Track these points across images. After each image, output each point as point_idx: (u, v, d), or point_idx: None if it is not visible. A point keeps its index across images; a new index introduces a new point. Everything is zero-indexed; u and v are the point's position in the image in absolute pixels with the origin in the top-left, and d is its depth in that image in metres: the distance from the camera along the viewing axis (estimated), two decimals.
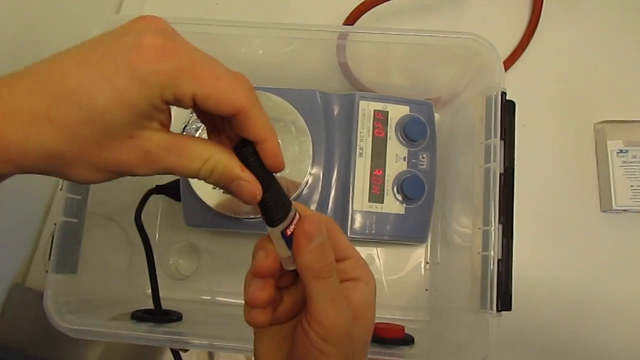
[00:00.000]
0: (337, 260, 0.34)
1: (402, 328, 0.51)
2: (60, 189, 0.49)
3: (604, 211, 0.64)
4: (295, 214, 0.33)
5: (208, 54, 0.30)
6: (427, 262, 0.62)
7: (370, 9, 0.61)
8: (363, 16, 0.61)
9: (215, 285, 0.63)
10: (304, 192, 0.56)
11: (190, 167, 0.30)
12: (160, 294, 0.54)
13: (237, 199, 0.32)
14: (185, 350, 0.58)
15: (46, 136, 0.27)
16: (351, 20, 0.61)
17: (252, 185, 0.31)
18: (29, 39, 0.54)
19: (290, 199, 0.33)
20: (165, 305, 0.55)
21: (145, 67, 0.27)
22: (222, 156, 0.31)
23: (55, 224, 0.48)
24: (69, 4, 0.59)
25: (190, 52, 0.29)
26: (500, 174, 0.49)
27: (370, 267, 0.60)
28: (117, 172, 0.30)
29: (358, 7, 0.61)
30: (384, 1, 0.60)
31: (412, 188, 0.57)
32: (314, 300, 0.31)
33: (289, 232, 0.32)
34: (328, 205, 0.57)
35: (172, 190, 0.60)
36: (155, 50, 0.28)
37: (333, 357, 0.31)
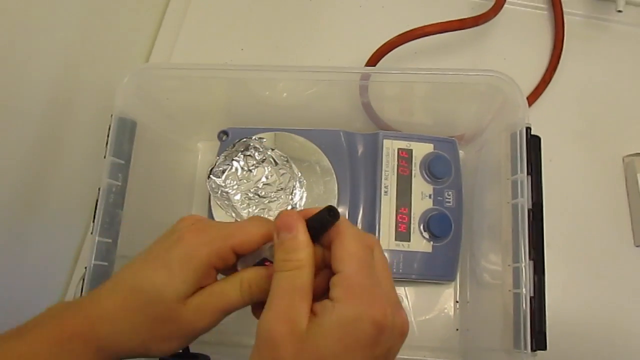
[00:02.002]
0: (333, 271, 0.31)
1: None
2: (91, 233, 0.49)
3: (638, 246, 0.62)
4: None
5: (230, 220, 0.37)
6: (457, 301, 0.61)
7: (392, 50, 0.62)
8: (385, 58, 0.62)
9: (243, 326, 0.62)
10: None
11: (233, 296, 0.36)
12: None
13: None
14: None
15: (127, 324, 0.34)
16: (373, 61, 0.62)
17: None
18: (63, 87, 0.56)
19: None
20: (192, 348, 0.54)
21: (189, 246, 0.35)
22: (246, 273, 0.36)
23: (85, 268, 0.49)
24: (100, 53, 0.62)
25: (219, 224, 0.38)
26: (528, 210, 0.48)
27: None
28: (186, 336, 0.37)
29: (379, 48, 0.62)
30: (405, 42, 0.61)
31: (438, 226, 0.56)
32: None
33: None
34: None
35: None
36: (193, 232, 0.36)
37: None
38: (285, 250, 0.32)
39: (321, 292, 0.33)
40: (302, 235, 0.32)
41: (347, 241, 0.32)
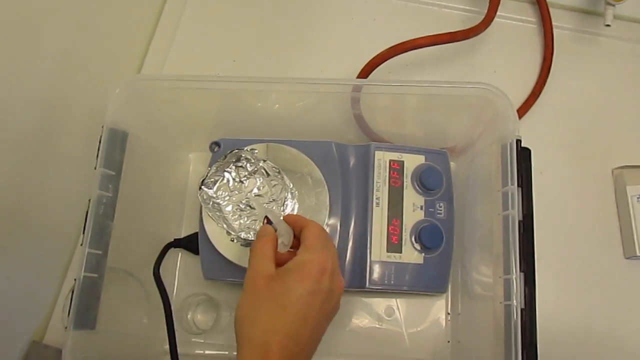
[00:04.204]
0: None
1: None
2: (81, 244, 0.49)
3: (628, 258, 0.63)
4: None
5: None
6: (448, 313, 0.61)
7: (383, 62, 0.62)
8: (376, 70, 0.63)
9: (233, 339, 0.62)
10: None
11: None
12: (178, 350, 0.54)
13: None
14: None
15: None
16: (364, 73, 0.63)
17: None
18: (54, 98, 0.56)
19: None
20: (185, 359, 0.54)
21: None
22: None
23: (75, 280, 0.48)
24: (92, 64, 0.62)
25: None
26: (519, 222, 0.48)
27: (390, 319, 0.60)
28: None
29: (371, 61, 0.62)
30: (396, 54, 0.61)
31: (430, 237, 0.57)
32: None
33: None
34: (346, 255, 0.57)
35: (190, 244, 0.60)
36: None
37: (242, 300, 0.43)
38: (259, 235, 0.48)
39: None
40: (269, 227, 0.49)
41: (311, 227, 0.48)
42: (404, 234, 0.57)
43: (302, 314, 0.42)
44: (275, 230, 0.48)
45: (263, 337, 0.41)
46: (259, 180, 0.57)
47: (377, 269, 0.56)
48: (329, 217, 0.57)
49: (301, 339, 0.41)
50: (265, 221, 0.50)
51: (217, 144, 0.60)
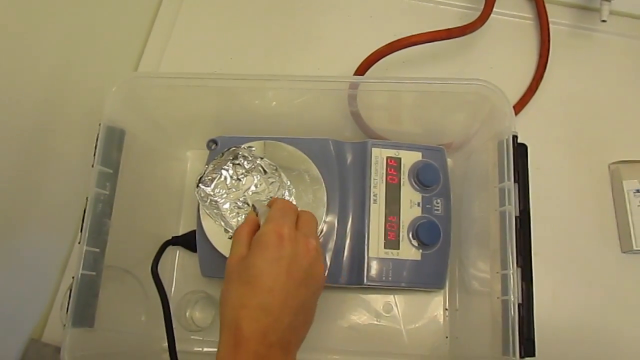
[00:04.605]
0: None
1: None
2: (79, 242, 0.49)
3: (624, 252, 0.63)
4: None
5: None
6: (446, 309, 0.61)
7: (380, 59, 0.62)
8: (373, 67, 0.63)
9: None
10: (320, 240, 0.56)
11: None
12: (177, 347, 0.54)
13: None
14: None
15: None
16: (361, 70, 0.63)
17: None
18: (51, 96, 0.56)
19: None
20: (181, 358, 0.54)
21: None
22: None
23: (73, 277, 0.48)
24: (89, 62, 0.62)
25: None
26: (516, 217, 0.48)
27: (388, 316, 0.60)
28: None
29: (368, 58, 0.62)
30: (393, 51, 0.62)
31: (427, 234, 0.57)
32: None
33: None
34: (344, 252, 0.57)
35: (188, 242, 0.60)
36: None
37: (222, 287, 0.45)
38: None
39: None
40: (251, 214, 0.51)
41: (274, 202, 0.50)
42: (401, 230, 0.57)
43: (267, 284, 0.42)
44: (258, 215, 0.49)
45: (233, 315, 0.41)
46: (257, 177, 0.57)
47: (374, 266, 0.56)
48: (327, 214, 0.57)
49: (272, 310, 0.41)
50: (252, 209, 0.51)
51: (214, 141, 0.60)
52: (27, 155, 0.54)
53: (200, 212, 0.57)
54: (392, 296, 0.62)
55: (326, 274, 0.55)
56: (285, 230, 0.44)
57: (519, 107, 0.68)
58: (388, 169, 0.59)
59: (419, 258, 0.57)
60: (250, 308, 0.41)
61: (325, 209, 0.57)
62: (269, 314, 0.41)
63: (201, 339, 0.61)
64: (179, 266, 0.64)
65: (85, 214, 0.50)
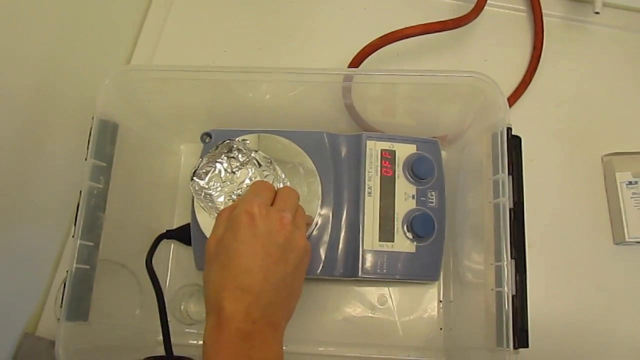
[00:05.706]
0: None
1: None
2: (73, 236, 0.49)
3: (617, 243, 0.63)
4: None
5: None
6: (441, 301, 0.61)
7: (374, 51, 0.62)
8: (367, 59, 0.63)
9: None
10: (314, 233, 0.56)
11: None
12: (172, 340, 0.54)
13: None
14: None
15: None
16: (356, 63, 0.63)
17: None
18: (44, 89, 0.55)
19: None
20: (176, 351, 0.54)
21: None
22: None
23: (67, 271, 0.48)
24: (81, 55, 0.61)
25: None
26: (510, 209, 0.49)
27: (383, 308, 0.60)
28: None
29: (362, 50, 0.62)
30: (387, 44, 0.61)
31: (422, 226, 0.57)
32: None
33: None
34: (339, 245, 0.57)
35: (183, 235, 0.60)
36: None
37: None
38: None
39: None
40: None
41: (253, 184, 0.50)
42: (396, 223, 0.57)
43: (245, 265, 0.42)
44: None
45: (215, 296, 0.42)
46: (251, 170, 0.57)
47: (369, 258, 0.56)
48: (321, 207, 0.57)
49: (252, 288, 0.41)
50: None
51: (208, 134, 0.60)
52: (20, 149, 0.54)
53: (195, 206, 0.57)
54: (386, 288, 0.62)
55: (321, 265, 0.56)
56: (254, 208, 0.44)
57: (513, 99, 0.69)
58: (382, 161, 0.59)
59: (413, 250, 0.57)
60: (230, 288, 0.41)
61: (319, 202, 0.57)
62: (250, 293, 0.41)
63: (196, 331, 0.61)
64: (174, 259, 0.64)
65: (79, 207, 0.49)
